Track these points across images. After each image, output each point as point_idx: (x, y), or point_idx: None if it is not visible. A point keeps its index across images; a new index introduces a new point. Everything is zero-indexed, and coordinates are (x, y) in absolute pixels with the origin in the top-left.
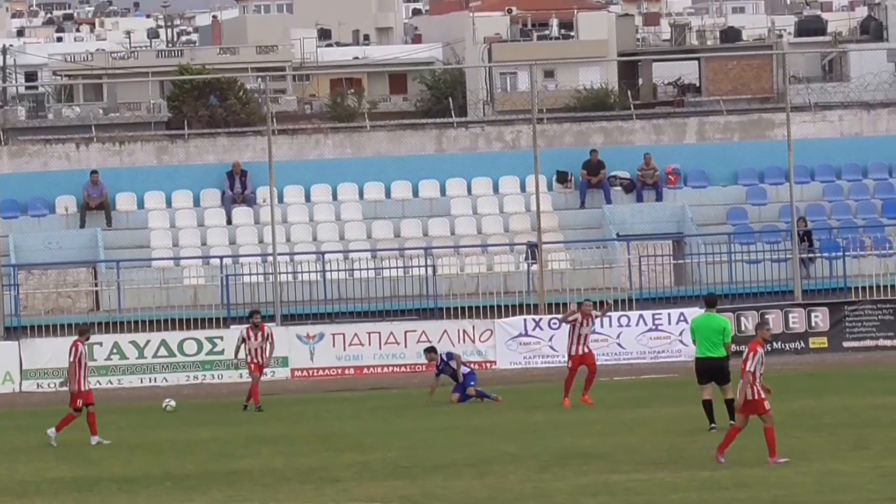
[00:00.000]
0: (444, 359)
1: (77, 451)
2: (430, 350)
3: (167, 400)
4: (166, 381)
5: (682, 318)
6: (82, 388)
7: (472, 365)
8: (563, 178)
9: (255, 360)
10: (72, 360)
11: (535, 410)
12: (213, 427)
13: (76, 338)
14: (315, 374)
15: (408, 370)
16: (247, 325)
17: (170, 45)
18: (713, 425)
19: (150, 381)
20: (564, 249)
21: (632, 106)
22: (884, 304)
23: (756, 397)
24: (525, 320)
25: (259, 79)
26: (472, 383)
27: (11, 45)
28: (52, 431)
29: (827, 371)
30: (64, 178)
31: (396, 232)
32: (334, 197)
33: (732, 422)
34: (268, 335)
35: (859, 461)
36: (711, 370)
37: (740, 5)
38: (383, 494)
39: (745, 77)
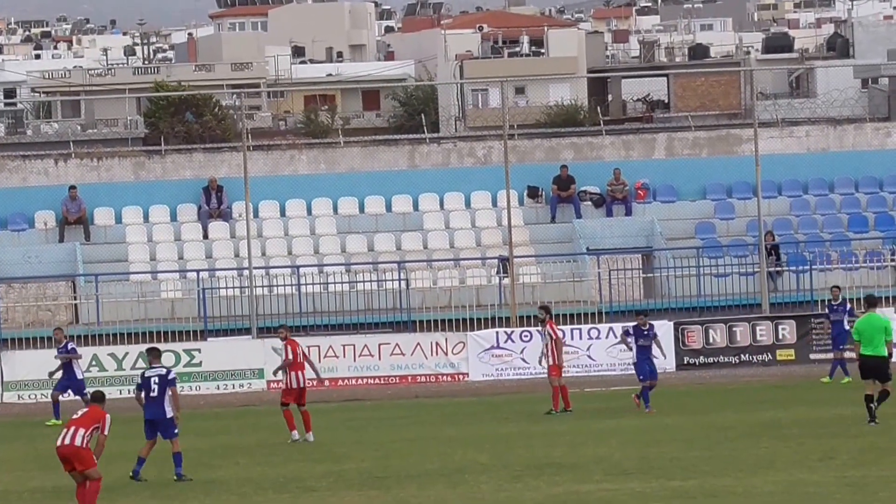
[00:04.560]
0: (634, 331)
1: (57, 461)
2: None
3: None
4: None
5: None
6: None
7: None
8: (533, 192)
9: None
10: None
11: (506, 421)
12: (191, 437)
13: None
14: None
15: (381, 382)
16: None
17: (146, 62)
18: (873, 421)
19: (128, 393)
20: (535, 263)
21: (601, 122)
22: (850, 316)
23: None
24: (497, 333)
25: (234, 95)
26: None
27: None
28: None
29: (794, 382)
30: (43, 193)
31: (370, 246)
32: (309, 212)
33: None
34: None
35: (826, 471)
36: (874, 368)
37: (708, 23)
38: (358, 503)
39: (713, 93)
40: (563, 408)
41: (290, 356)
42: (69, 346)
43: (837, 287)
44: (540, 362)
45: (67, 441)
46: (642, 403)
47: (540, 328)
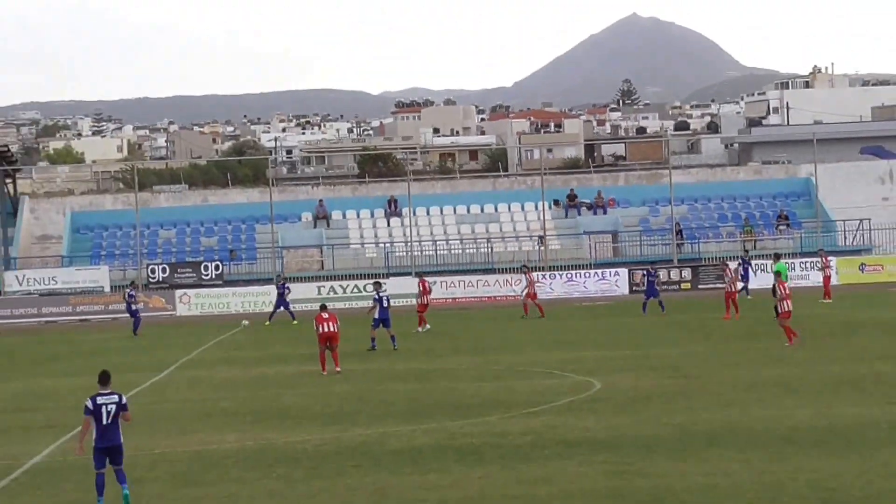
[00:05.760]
0: (647, 273)
1: (302, 338)
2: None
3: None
4: (357, 304)
5: (615, 274)
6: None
7: None
8: (556, 203)
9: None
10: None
11: (540, 321)
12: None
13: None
14: (431, 302)
15: (478, 300)
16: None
17: (358, 136)
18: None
19: (348, 305)
20: (557, 239)
21: (591, 167)
22: (717, 267)
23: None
24: (537, 274)
25: (404, 153)
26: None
27: (278, 136)
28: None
29: (689, 301)
30: (305, 204)
31: (472, 230)
32: (441, 212)
33: None
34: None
35: (706, 344)
36: None
37: (645, 115)
38: (471, 365)
39: (648, 151)
40: (538, 315)
41: (424, 288)
42: (285, 285)
43: (747, 250)
44: (521, 293)
45: (332, 329)
46: (655, 310)
47: (524, 274)
